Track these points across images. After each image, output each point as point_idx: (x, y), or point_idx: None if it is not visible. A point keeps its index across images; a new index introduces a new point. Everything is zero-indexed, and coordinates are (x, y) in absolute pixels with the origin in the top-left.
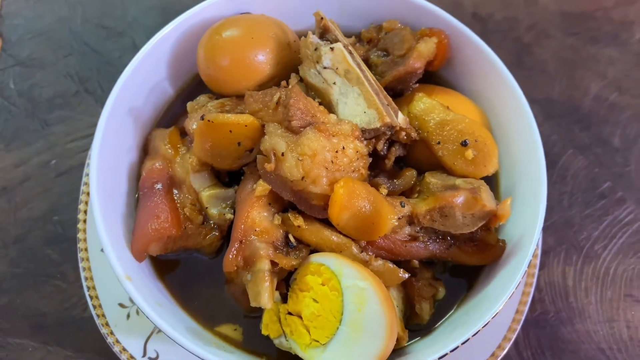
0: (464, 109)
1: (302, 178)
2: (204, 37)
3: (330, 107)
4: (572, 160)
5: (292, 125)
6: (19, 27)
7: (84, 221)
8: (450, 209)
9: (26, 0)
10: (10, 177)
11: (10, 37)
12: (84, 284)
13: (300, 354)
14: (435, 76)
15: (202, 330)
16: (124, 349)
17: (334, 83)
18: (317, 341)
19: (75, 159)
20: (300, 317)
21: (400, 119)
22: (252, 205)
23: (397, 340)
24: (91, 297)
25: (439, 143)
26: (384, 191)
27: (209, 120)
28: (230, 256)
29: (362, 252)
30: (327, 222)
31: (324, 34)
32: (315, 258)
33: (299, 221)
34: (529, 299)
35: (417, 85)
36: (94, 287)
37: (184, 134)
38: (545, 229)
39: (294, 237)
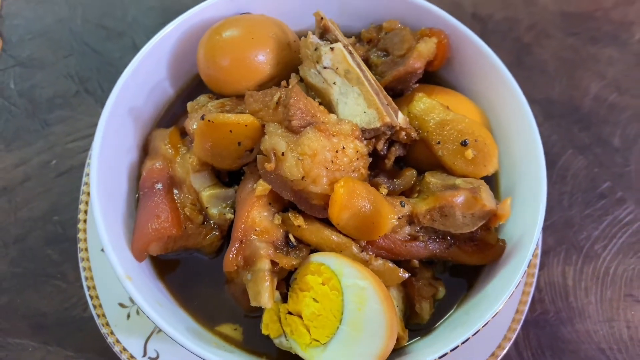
0: (463, 109)
1: (302, 178)
2: (204, 37)
3: (330, 107)
4: (572, 160)
5: (292, 125)
6: (19, 27)
7: (84, 221)
8: (450, 209)
9: (26, 1)
10: (11, 177)
11: (10, 37)
12: (84, 283)
13: (301, 354)
14: (435, 76)
15: (202, 330)
16: (124, 349)
17: (334, 83)
18: (318, 341)
19: (76, 159)
20: (300, 316)
21: (400, 119)
22: (252, 205)
23: (397, 339)
24: (91, 297)
25: (438, 143)
26: (384, 191)
27: (209, 120)
28: (231, 256)
29: (362, 251)
30: (327, 222)
31: (324, 34)
32: (316, 257)
33: (299, 221)
34: (529, 299)
35: (417, 85)
36: (94, 287)
37: (184, 134)
38: (545, 229)
39: (294, 237)
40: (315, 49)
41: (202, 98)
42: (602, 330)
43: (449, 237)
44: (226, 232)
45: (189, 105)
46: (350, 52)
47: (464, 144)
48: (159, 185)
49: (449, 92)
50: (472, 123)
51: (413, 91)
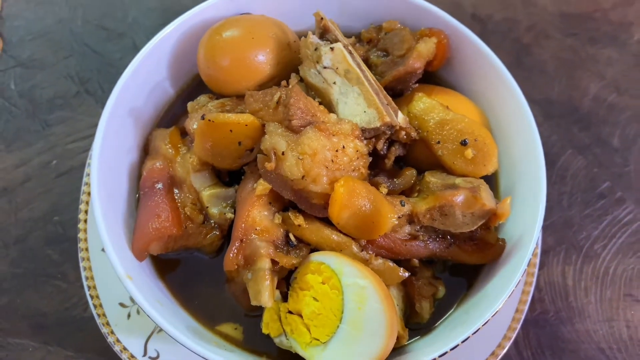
0: (463, 109)
1: (303, 177)
2: (204, 38)
3: (330, 107)
4: (572, 161)
5: (292, 125)
6: (19, 28)
7: (85, 221)
8: (450, 208)
9: (27, 2)
10: (11, 178)
11: (11, 38)
12: (85, 283)
13: (301, 353)
14: (434, 76)
15: (203, 330)
16: (125, 349)
17: (334, 83)
18: (318, 340)
19: (76, 160)
20: (300, 315)
21: (400, 119)
22: (252, 204)
23: (397, 339)
24: (92, 297)
25: (438, 142)
26: (384, 190)
27: (209, 120)
28: (231, 255)
29: (362, 251)
30: (327, 221)
31: (324, 34)
32: (316, 257)
33: (299, 220)
34: (529, 298)
35: (417, 85)
36: (94, 287)
37: (184, 133)
38: (544, 229)
39: (295, 236)
40: (315, 49)
41: (202, 98)
42: (601, 330)
43: (448, 237)
44: (226, 232)
45: (189, 105)
46: (350, 52)
47: (464, 143)
48: (160, 185)
49: (448, 92)
50: (471, 123)
51: (413, 91)
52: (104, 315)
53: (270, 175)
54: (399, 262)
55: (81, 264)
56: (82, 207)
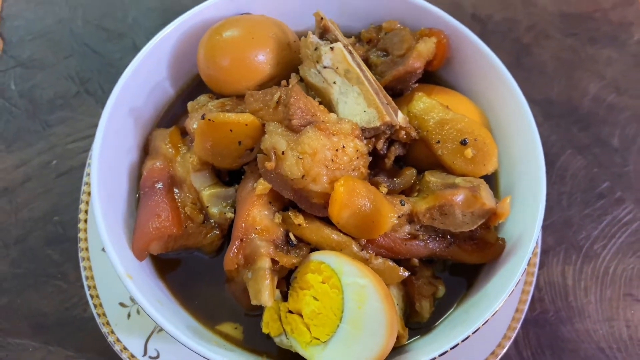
0: (463, 109)
1: (303, 176)
2: (204, 38)
3: (330, 107)
4: (571, 160)
5: (292, 124)
6: (19, 28)
7: (85, 221)
8: (450, 207)
9: (27, 2)
10: (11, 178)
11: (11, 38)
12: (85, 283)
13: (301, 352)
14: (434, 76)
15: (203, 329)
16: (125, 348)
17: (334, 82)
18: (318, 339)
19: (76, 160)
20: (300, 315)
21: (400, 118)
22: (252, 203)
23: (398, 338)
24: (92, 297)
25: (438, 142)
26: (384, 190)
27: (209, 120)
28: (231, 254)
29: (362, 250)
30: (327, 221)
31: (324, 34)
32: (316, 256)
33: (299, 219)
34: (529, 298)
35: (417, 85)
36: (94, 287)
37: (184, 133)
38: (544, 229)
39: (295, 236)
40: (315, 49)
41: (202, 98)
42: (601, 330)
43: (448, 236)
44: (226, 231)
45: (190, 105)
46: (350, 52)
47: (464, 143)
48: (160, 185)
49: (448, 92)
50: (471, 122)
51: (413, 91)
52: (104, 315)
53: (270, 175)
54: (399, 262)
55: (81, 264)
56: (82, 207)
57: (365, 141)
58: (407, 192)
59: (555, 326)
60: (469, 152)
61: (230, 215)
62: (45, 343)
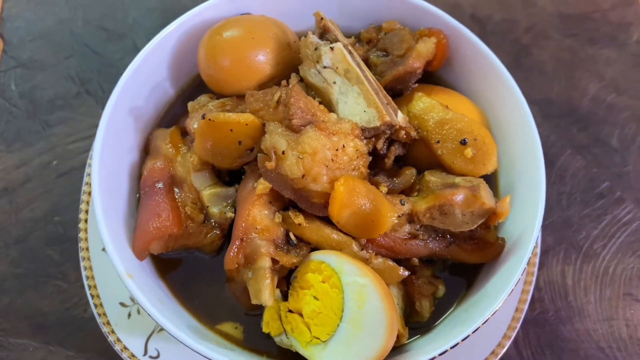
0: (463, 109)
1: (303, 176)
2: (204, 38)
3: (330, 106)
4: (571, 160)
5: (292, 124)
6: (20, 29)
7: (86, 221)
8: (450, 207)
9: (27, 3)
10: (12, 178)
11: (11, 39)
12: (85, 283)
13: (301, 352)
14: (434, 76)
15: (203, 329)
16: (125, 348)
17: (334, 82)
18: (318, 338)
19: (76, 160)
20: (301, 314)
21: (400, 118)
22: (252, 203)
23: (398, 337)
24: (92, 296)
25: (438, 142)
26: (384, 189)
27: (210, 120)
28: (232, 254)
29: (362, 250)
30: (327, 220)
31: (323, 34)
32: (316, 256)
33: (299, 219)
34: (529, 297)
35: (417, 85)
36: (95, 287)
37: (184, 133)
38: (544, 229)
39: (295, 235)
40: (315, 49)
41: (202, 98)
42: (601, 329)
43: (448, 236)
44: (227, 231)
45: (190, 105)
46: (350, 52)
47: (463, 142)
48: (160, 185)
49: (448, 92)
50: (471, 122)
51: (412, 91)
52: (104, 314)
53: (271, 175)
54: (399, 261)
55: (82, 264)
56: (82, 207)
57: (365, 141)
58: (407, 191)
59: (555, 326)
60: (468, 151)
61: (230, 215)
62: (46, 343)
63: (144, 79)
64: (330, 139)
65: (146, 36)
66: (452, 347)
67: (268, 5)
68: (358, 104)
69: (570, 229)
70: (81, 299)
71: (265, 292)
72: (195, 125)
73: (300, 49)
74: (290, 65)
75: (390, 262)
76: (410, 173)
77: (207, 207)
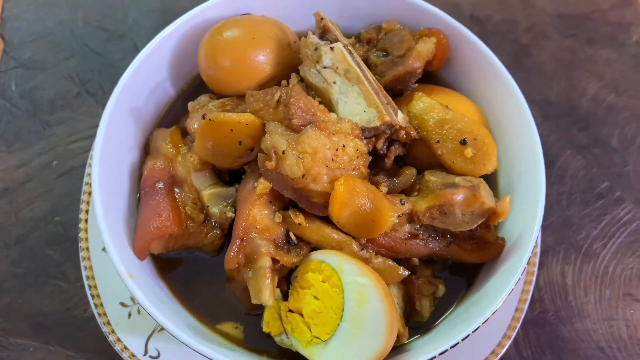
0: (463, 109)
1: (303, 176)
2: (205, 38)
3: (330, 106)
4: (571, 161)
5: (292, 124)
6: (20, 29)
7: (86, 221)
8: (450, 207)
9: (28, 4)
10: (12, 178)
11: (12, 39)
12: (86, 282)
13: (302, 351)
14: (434, 76)
15: (203, 328)
16: (125, 348)
17: (334, 82)
18: (318, 338)
19: (77, 160)
20: (301, 314)
21: (400, 118)
22: (253, 203)
23: (398, 337)
24: (92, 296)
25: (438, 142)
26: (384, 189)
27: (210, 119)
28: (232, 253)
29: (362, 249)
30: (327, 220)
31: (324, 34)
32: (316, 255)
33: (299, 219)
34: (529, 297)
35: (416, 85)
36: (95, 286)
37: (185, 133)
38: (544, 229)
39: (295, 235)
40: (315, 49)
41: (203, 98)
42: (601, 329)
43: (448, 235)
44: (227, 231)
45: (190, 105)
46: (350, 52)
47: (463, 142)
48: (160, 185)
49: (448, 92)
50: (471, 122)
51: (412, 91)
52: (104, 314)
53: (271, 174)
54: (399, 261)
55: (82, 264)
56: (83, 206)
57: (365, 141)
58: (407, 191)
59: (555, 326)
60: (468, 151)
61: (230, 214)
62: (46, 343)
63: (144, 79)
64: (330, 138)
65: (146, 36)
66: (452, 347)
67: (268, 5)
68: (358, 103)
69: (570, 229)
70: (81, 298)
71: (265, 291)
72: (196, 125)
73: (300, 49)
74: (290, 65)
75: (391, 262)
76: (410, 173)
77: (208, 207)
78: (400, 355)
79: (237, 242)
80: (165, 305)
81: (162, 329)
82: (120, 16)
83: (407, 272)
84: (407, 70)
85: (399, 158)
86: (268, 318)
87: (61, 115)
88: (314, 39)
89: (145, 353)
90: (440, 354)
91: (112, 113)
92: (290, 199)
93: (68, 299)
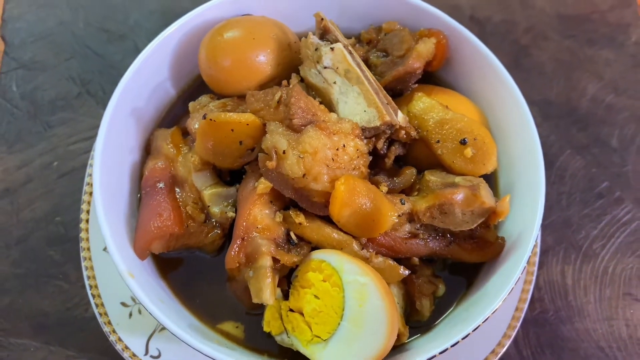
0: (462, 109)
1: (303, 175)
2: (205, 38)
3: (330, 106)
4: (570, 161)
5: (293, 124)
6: (21, 30)
7: (87, 221)
8: (450, 206)
9: (29, 5)
10: (13, 179)
11: (13, 40)
12: (86, 282)
13: (302, 351)
14: (434, 77)
15: (204, 328)
16: (126, 347)
17: (334, 82)
18: (319, 337)
19: (77, 161)
20: (301, 313)
21: (400, 118)
22: (253, 203)
23: (398, 336)
24: (93, 296)
25: (438, 142)
26: (384, 189)
27: (211, 119)
28: (233, 253)
29: (362, 249)
30: (328, 220)
31: (324, 34)
32: (317, 255)
33: (300, 218)
34: (529, 297)
35: (416, 85)
36: (96, 286)
37: (185, 134)
38: (544, 229)
39: (295, 235)
40: (316, 49)
41: (203, 98)
42: (601, 329)
43: (448, 235)
44: (227, 231)
45: (191, 105)
46: (350, 52)
47: (463, 142)
48: (161, 184)
49: (447, 92)
50: (471, 122)
51: (412, 91)
52: (105, 314)
53: (271, 174)
54: (399, 261)
55: (83, 264)
56: (84, 207)
57: (365, 141)
58: (407, 191)
59: (555, 325)
60: (468, 151)
61: (231, 214)
62: (47, 343)
63: (145, 80)
64: (330, 138)
65: (147, 38)
66: (452, 346)
67: (269, 6)
68: (358, 103)
69: (570, 229)
70: (82, 298)
71: (266, 290)
72: (197, 125)
73: (300, 50)
74: (290, 65)
75: (391, 261)
76: (410, 173)
77: (208, 206)
78: (400, 355)
79: (238, 242)
80: (166, 305)
81: (163, 328)
82: (121, 17)
83: (407, 272)
84: (407, 71)
85: (399, 158)
86: (269, 317)
87: (62, 116)
88: (314, 39)
89: (146, 353)
90: (440, 353)
91: (113, 114)
92: (291, 199)
93: (69, 299)
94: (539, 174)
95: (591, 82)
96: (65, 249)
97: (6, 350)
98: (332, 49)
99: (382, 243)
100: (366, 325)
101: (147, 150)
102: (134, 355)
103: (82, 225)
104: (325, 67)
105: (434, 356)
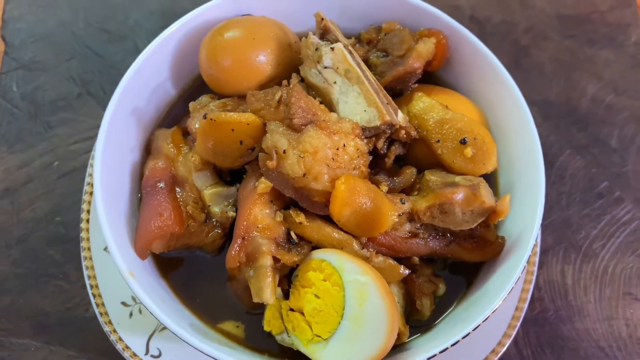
0: (462, 109)
1: (304, 175)
2: (206, 38)
3: (330, 106)
4: (570, 161)
5: (293, 123)
6: (21, 31)
7: (87, 221)
8: (450, 206)
9: (29, 5)
10: (13, 179)
11: (13, 41)
12: (87, 282)
13: (303, 350)
14: (434, 76)
15: (205, 327)
16: (127, 347)
17: (335, 82)
18: (319, 336)
19: (78, 161)
20: (302, 313)
21: (400, 118)
22: (254, 202)
23: (398, 335)
24: (94, 296)
25: (438, 141)
26: (384, 188)
27: (211, 119)
28: (233, 252)
29: (363, 248)
30: (328, 219)
31: (324, 34)
32: (317, 254)
33: (300, 218)
34: (529, 296)
35: (416, 85)
36: (96, 286)
37: (186, 133)
38: (543, 228)
39: (296, 234)
40: (316, 49)
41: (204, 98)
42: (601, 329)
43: (448, 234)
44: (228, 230)
45: (191, 105)
46: (350, 52)
47: (463, 142)
48: (162, 184)
49: (447, 92)
50: (471, 121)
51: (412, 91)
52: (106, 314)
53: (272, 174)
54: (399, 260)
55: (83, 263)
56: (84, 206)
57: (365, 140)
58: (407, 191)
59: (555, 325)
60: (468, 151)
61: (231, 214)
62: (47, 343)
63: (145, 80)
64: (331, 138)
65: (147, 38)
66: (452, 345)
67: (269, 6)
68: (358, 103)
69: (570, 229)
70: (82, 298)
71: (266, 290)
72: (197, 125)
73: (301, 50)
74: (291, 65)
75: (391, 261)
76: (410, 172)
77: (209, 206)
78: (400, 354)
79: (239, 241)
80: (166, 304)
81: (164, 328)
82: (121, 17)
83: (407, 271)
84: (407, 71)
85: (399, 158)
86: (269, 317)
87: (62, 116)
88: (314, 39)
89: (147, 352)
90: (440, 352)
91: (114, 114)
92: (291, 198)
93: (69, 299)
94: (539, 174)
95: (591, 82)
96: (66, 248)
97: (7, 350)
98: (332, 48)
99: (383, 242)
100: (366, 325)
101: (148, 150)
102: (135, 354)
103: (83, 225)
104: (325, 67)
105: (434, 355)
